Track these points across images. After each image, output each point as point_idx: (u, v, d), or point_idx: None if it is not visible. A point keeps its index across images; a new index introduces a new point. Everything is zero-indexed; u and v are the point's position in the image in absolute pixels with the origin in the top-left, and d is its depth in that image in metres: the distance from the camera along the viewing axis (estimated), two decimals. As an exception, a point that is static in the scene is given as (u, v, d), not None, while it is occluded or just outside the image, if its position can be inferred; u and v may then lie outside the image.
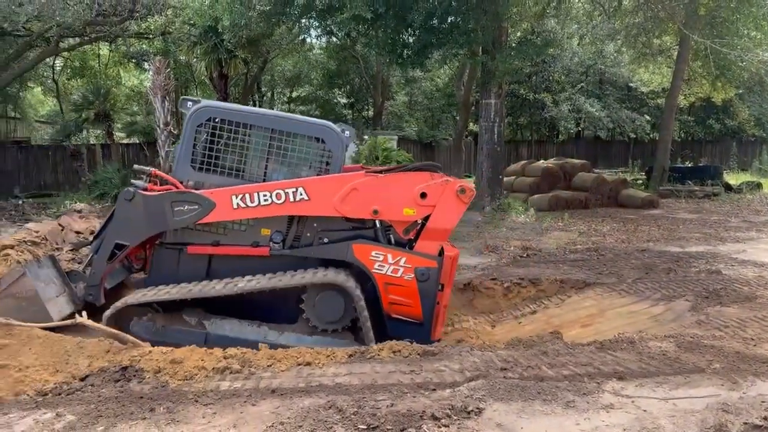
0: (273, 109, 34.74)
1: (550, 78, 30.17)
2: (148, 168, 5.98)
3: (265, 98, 32.60)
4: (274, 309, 5.72)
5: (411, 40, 13.86)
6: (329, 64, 27.81)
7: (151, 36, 20.90)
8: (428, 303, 5.61)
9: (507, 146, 17.04)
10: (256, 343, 5.36)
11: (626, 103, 31.73)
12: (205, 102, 5.90)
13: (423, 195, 5.57)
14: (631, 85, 31.29)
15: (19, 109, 28.74)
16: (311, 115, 33.33)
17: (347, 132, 5.88)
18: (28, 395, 4.47)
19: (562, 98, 29.49)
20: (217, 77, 20.92)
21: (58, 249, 6.30)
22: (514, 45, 15.39)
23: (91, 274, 5.71)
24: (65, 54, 25.00)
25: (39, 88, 30.60)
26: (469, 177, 26.06)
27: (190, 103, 5.85)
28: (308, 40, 21.91)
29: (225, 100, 21.88)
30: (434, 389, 4.27)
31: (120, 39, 22.22)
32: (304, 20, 14.66)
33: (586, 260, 9.01)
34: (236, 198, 5.49)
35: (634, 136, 32.87)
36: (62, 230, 6.59)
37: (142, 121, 24.61)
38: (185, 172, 5.74)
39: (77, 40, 21.41)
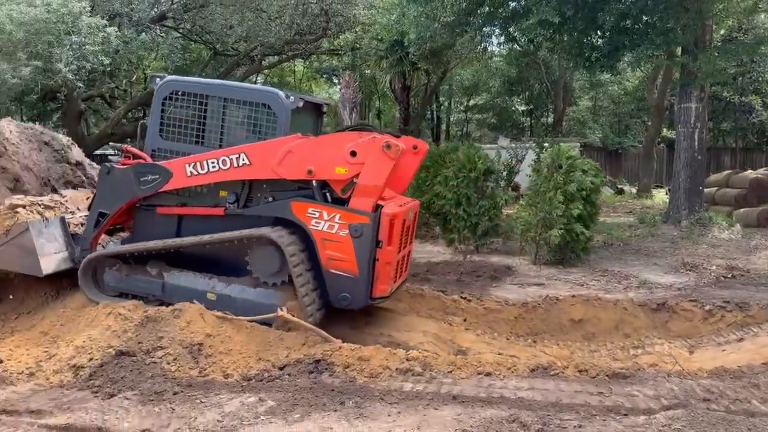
0: (450, 118, 35.19)
1: (760, 79, 26.81)
2: (120, 145, 6.73)
3: (442, 107, 33.07)
4: (229, 265, 6.13)
5: (600, 43, 13.21)
6: (509, 71, 27.45)
7: (341, 52, 22.25)
8: (363, 258, 5.76)
9: (707, 154, 15.45)
10: (204, 292, 5.98)
11: None
12: (169, 77, 6.51)
13: (353, 153, 5.75)
14: None
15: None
16: (488, 123, 33.21)
17: (292, 98, 6.15)
18: (234, 379, 4.97)
19: (774, 101, 26.09)
20: (400, 89, 21.68)
21: (72, 213, 6.98)
22: (719, 44, 13.95)
23: (82, 238, 6.49)
24: (266, 71, 27.52)
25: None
26: (661, 187, 24.10)
27: (158, 79, 6.49)
28: (489, 48, 21.85)
29: (407, 110, 22.63)
30: (626, 414, 4.02)
31: (314, 56, 24.00)
32: (486, 28, 14.65)
33: (807, 285, 7.86)
34: (189, 167, 6.05)
35: None
36: (87, 198, 7.26)
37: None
38: (155, 142, 6.40)
39: (276, 58, 23.48)
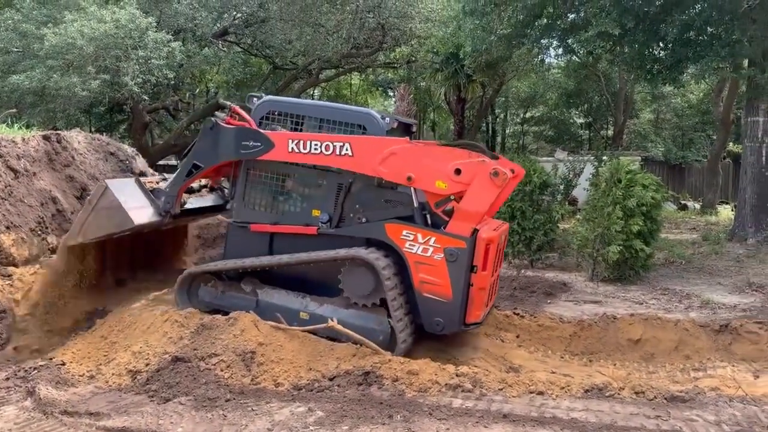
0: (506, 130, 34.85)
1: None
2: (229, 103, 6.68)
3: (498, 119, 32.82)
4: (323, 284, 6.11)
5: (662, 55, 12.83)
6: (567, 83, 27.01)
7: (396, 65, 22.43)
8: (458, 283, 5.62)
9: (777, 170, 14.73)
10: (297, 311, 6.01)
11: None
12: (267, 97, 6.55)
13: (457, 171, 5.58)
14: None
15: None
16: (545, 136, 32.71)
17: (387, 119, 6.08)
18: (285, 388, 5.02)
19: None
20: (455, 101, 21.66)
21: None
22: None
23: (170, 184, 6.58)
24: (323, 84, 28.00)
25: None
26: (726, 204, 23.13)
27: (255, 99, 6.53)
28: (546, 60, 21.59)
29: (462, 122, 22.56)
30: (685, 440, 3.84)
31: (369, 69, 24.25)
32: (544, 40, 14.47)
33: None
34: (292, 142, 5.98)
35: None
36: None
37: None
38: None
39: (333, 71, 23.86)
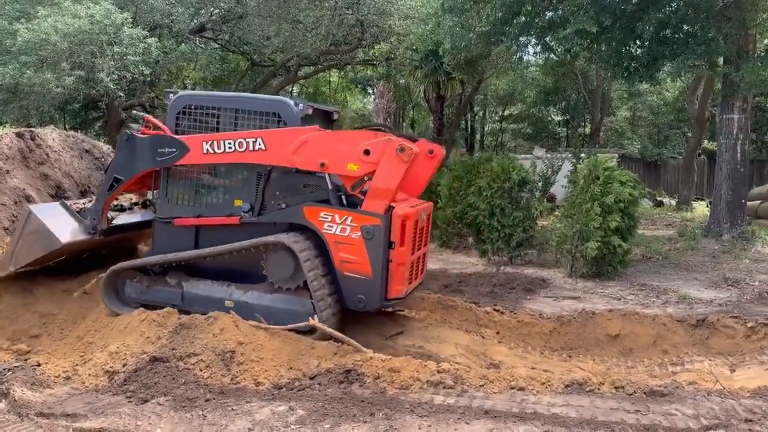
0: (484, 128, 35.01)
1: (807, 88, 25.98)
2: (142, 113, 6.78)
3: (477, 117, 32.94)
4: (250, 272, 6.19)
5: (639, 52, 12.94)
6: (545, 81, 27.20)
7: (376, 62, 22.38)
8: (376, 260, 5.79)
9: (750, 166, 15.01)
10: (222, 300, 6.06)
11: None
12: (182, 92, 6.67)
13: (367, 152, 5.76)
14: None
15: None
16: (523, 133, 32.91)
17: (301, 105, 6.21)
18: (266, 387, 4.98)
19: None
20: (434, 99, 21.65)
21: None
22: (762, 54, 13.54)
23: (95, 201, 6.65)
24: (302, 81, 27.86)
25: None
26: (701, 200, 23.50)
27: (171, 94, 6.61)
28: (525, 57, 21.69)
29: (441, 119, 22.58)
30: (664, 434, 3.88)
31: (349, 66, 24.16)
32: (522, 38, 14.52)
33: None
34: (206, 144, 6.12)
35: None
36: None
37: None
38: None
39: (312, 68, 23.74)
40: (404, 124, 31.45)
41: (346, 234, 5.84)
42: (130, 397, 4.73)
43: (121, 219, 7.04)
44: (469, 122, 32.02)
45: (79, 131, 10.67)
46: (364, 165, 5.80)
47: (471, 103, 28.40)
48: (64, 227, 6.41)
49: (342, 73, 27.80)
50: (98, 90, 14.55)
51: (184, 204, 6.49)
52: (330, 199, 6.03)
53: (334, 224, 5.88)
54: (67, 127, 19.31)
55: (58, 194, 7.58)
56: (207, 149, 6.13)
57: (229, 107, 6.42)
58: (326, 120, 7.10)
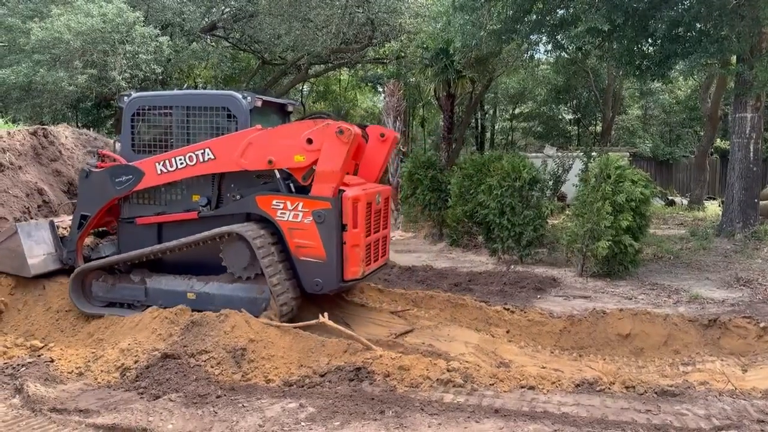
0: (495, 126, 34.88)
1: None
2: (96, 149, 7.00)
3: (487, 115, 32.82)
4: (211, 264, 6.31)
5: (651, 51, 12.85)
6: (556, 79, 27.05)
7: (386, 61, 22.35)
8: (329, 243, 5.93)
9: (763, 165, 14.88)
10: (184, 293, 6.23)
11: None
12: (135, 94, 6.76)
13: (309, 141, 5.89)
14: None
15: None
16: (534, 132, 32.77)
17: (249, 98, 6.29)
18: (276, 384, 5.00)
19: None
20: (444, 97, 21.54)
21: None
22: (777, 51, 13.39)
23: (68, 241, 6.75)
24: (312, 80, 27.88)
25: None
26: (713, 199, 23.31)
27: (125, 97, 6.72)
28: (536, 56, 21.59)
29: (451, 118, 22.49)
30: (675, 434, 3.87)
31: (359, 64, 24.16)
32: (533, 36, 14.46)
33: None
34: (159, 165, 6.26)
35: None
36: None
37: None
38: (128, 156, 6.66)
39: (323, 67, 23.75)
40: (414, 123, 31.40)
41: (299, 220, 5.99)
42: (142, 394, 4.77)
43: (101, 249, 7.14)
44: (479, 121, 31.87)
45: (91, 129, 10.75)
46: (309, 154, 5.94)
47: (481, 101, 28.29)
48: (39, 256, 6.56)
49: (352, 71, 27.78)
50: (110, 88, 14.67)
51: (145, 203, 6.64)
52: (279, 187, 6.14)
53: (286, 211, 6.02)
54: (79, 125, 19.45)
55: (71, 190, 7.65)
56: (161, 169, 6.30)
57: (180, 105, 6.54)
58: (281, 112, 7.21)
